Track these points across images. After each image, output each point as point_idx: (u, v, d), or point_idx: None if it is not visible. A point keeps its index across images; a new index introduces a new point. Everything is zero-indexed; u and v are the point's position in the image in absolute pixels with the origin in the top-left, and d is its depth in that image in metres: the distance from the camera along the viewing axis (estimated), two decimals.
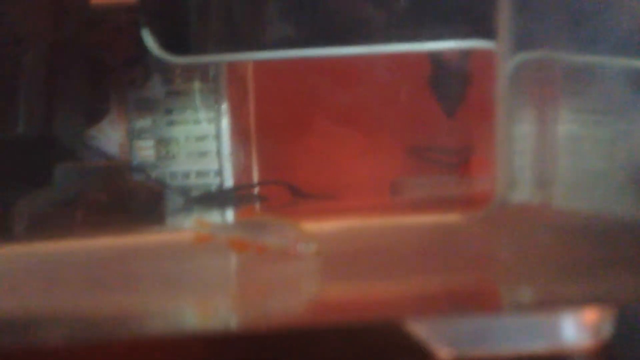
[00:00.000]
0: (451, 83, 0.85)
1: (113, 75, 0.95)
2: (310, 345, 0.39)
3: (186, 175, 1.00)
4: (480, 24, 0.71)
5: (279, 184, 0.95)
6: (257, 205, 0.99)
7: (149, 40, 0.83)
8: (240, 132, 1.00)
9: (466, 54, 0.80)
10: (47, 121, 0.82)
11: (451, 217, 0.67)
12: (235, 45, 0.85)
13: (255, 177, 1.04)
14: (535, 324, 0.39)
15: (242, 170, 1.01)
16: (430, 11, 0.73)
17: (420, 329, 0.38)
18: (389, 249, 0.59)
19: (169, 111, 0.99)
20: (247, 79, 1.03)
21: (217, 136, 0.99)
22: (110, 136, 0.99)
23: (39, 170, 0.78)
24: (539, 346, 0.38)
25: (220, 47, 0.85)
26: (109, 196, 0.73)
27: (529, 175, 0.64)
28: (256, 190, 1.01)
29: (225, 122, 0.98)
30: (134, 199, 0.78)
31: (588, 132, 0.58)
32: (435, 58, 0.83)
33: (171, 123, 0.99)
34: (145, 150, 1.00)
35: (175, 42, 0.83)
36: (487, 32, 0.70)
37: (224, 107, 0.98)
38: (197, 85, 0.99)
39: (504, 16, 0.67)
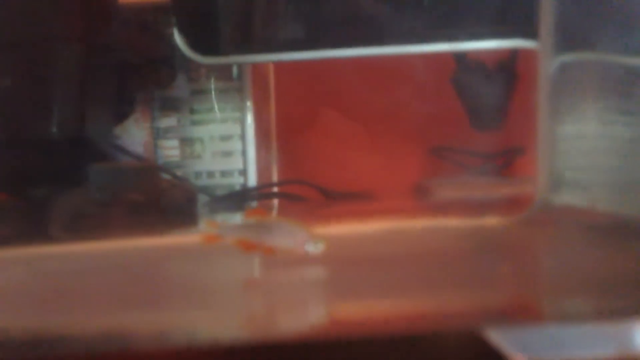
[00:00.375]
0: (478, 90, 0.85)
1: (139, 75, 0.95)
2: (381, 354, 0.39)
3: (211, 174, 1.00)
4: (522, 23, 0.71)
5: (303, 183, 0.95)
6: (276, 205, 0.99)
7: (180, 41, 0.83)
8: (262, 132, 1.00)
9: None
10: (78, 121, 0.82)
11: (491, 220, 0.67)
12: (264, 47, 0.84)
13: (276, 177, 1.05)
14: (606, 332, 0.39)
15: (264, 170, 1.01)
16: (471, 10, 0.73)
17: (496, 337, 0.39)
18: (430, 254, 0.59)
19: (193, 111, 0.99)
20: (269, 80, 1.03)
21: (242, 136, 0.98)
22: (135, 136, 0.99)
23: (73, 170, 0.78)
24: (611, 354, 0.38)
25: (249, 48, 0.84)
26: (144, 196, 0.73)
27: (572, 177, 0.64)
28: (277, 189, 1.01)
29: (250, 122, 0.98)
30: (169, 200, 0.77)
31: (633, 134, 0.58)
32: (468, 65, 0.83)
33: (196, 123, 0.99)
34: (170, 150, 1.00)
35: (205, 43, 0.83)
36: (529, 31, 0.69)
37: (249, 106, 0.98)
38: (222, 85, 0.99)
39: (547, 15, 0.66)
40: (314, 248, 0.56)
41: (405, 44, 0.73)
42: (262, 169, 1.00)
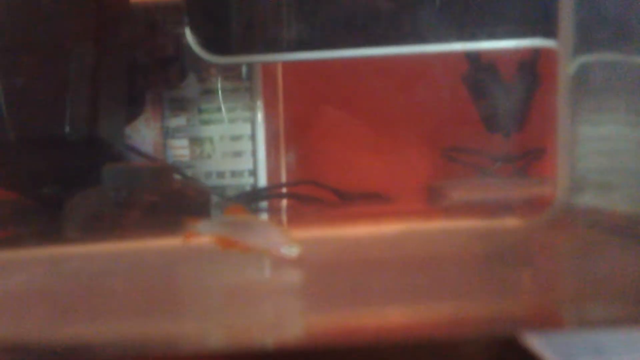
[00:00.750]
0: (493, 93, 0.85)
1: (149, 75, 0.95)
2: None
3: (221, 174, 0.99)
4: (541, 23, 0.70)
5: (316, 184, 0.94)
6: (286, 206, 0.99)
7: (192, 41, 0.82)
8: (272, 133, 0.99)
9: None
10: (91, 121, 0.81)
11: (510, 222, 0.67)
12: (276, 47, 0.84)
13: (284, 178, 1.04)
14: None
15: (273, 171, 1.00)
16: (489, 9, 0.72)
17: (533, 342, 0.38)
18: (450, 257, 0.59)
19: (203, 110, 0.99)
20: (277, 80, 1.02)
21: (252, 136, 0.98)
22: (144, 135, 0.99)
23: (86, 170, 0.77)
24: None
25: (261, 48, 0.84)
26: (159, 197, 0.72)
27: (593, 178, 0.64)
28: (286, 189, 1.01)
29: (260, 122, 0.97)
30: (183, 200, 0.77)
31: None
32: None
33: (206, 122, 0.99)
34: (180, 150, 0.99)
35: (217, 43, 0.82)
36: (548, 31, 0.69)
37: (259, 106, 0.97)
38: (231, 84, 0.99)
39: (567, 14, 0.65)
40: (289, 251, 0.56)
41: (422, 44, 0.73)
42: (272, 170, 0.99)
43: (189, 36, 0.83)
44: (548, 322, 0.43)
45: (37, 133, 0.78)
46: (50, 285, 0.55)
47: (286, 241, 0.55)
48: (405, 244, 0.64)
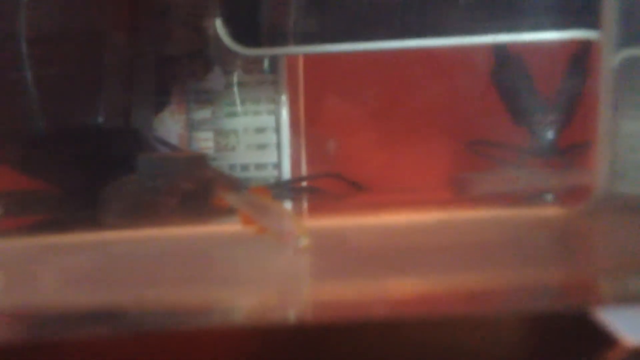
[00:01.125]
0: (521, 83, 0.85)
1: (176, 67, 0.95)
2: (490, 331, 0.39)
3: (245, 167, 0.99)
4: (583, 14, 0.70)
5: (337, 177, 0.94)
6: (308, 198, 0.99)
7: (222, 32, 0.82)
8: (294, 125, 1.00)
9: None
10: (122, 111, 0.81)
11: (551, 211, 0.67)
12: (306, 39, 0.84)
13: (304, 170, 1.04)
14: None
15: (296, 163, 1.00)
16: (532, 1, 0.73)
17: (605, 317, 0.39)
18: (497, 242, 0.59)
19: (228, 103, 0.99)
20: (299, 72, 1.03)
21: (277, 128, 0.98)
22: (170, 128, 0.99)
23: (120, 159, 0.77)
24: None
25: (292, 40, 0.84)
26: (194, 185, 0.73)
27: (633, 170, 0.64)
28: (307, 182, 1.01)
29: (285, 114, 0.98)
30: (217, 188, 0.77)
31: None
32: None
33: (231, 115, 0.99)
34: (204, 142, 0.99)
35: (248, 34, 0.83)
36: (591, 22, 0.69)
37: (284, 99, 0.98)
38: (256, 77, 0.99)
39: (610, 5, 0.65)
40: (298, 242, 0.57)
41: (457, 36, 0.73)
42: (294, 163, 1.00)
43: (220, 27, 0.83)
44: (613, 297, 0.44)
45: (70, 123, 0.78)
46: (104, 264, 0.55)
47: (297, 231, 0.56)
48: (449, 231, 0.65)
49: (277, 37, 0.86)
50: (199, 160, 0.79)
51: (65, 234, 0.65)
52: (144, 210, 0.68)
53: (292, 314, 0.47)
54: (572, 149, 0.77)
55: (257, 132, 0.98)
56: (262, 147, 0.98)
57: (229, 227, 0.70)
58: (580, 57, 0.78)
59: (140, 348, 0.41)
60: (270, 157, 0.98)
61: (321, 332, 0.42)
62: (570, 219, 0.63)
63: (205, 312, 0.47)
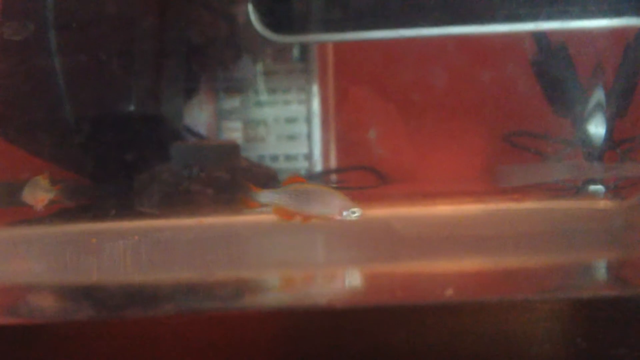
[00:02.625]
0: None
1: (205, 54, 0.93)
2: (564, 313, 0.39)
3: (274, 158, 0.97)
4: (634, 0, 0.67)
5: (370, 170, 0.92)
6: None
7: (254, 19, 0.80)
8: (325, 115, 0.97)
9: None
10: (152, 100, 0.80)
11: (602, 203, 0.65)
12: (338, 25, 0.82)
13: (334, 161, 1.02)
14: None
15: (326, 154, 0.98)
16: None
17: None
18: (548, 234, 0.57)
19: (258, 92, 0.96)
20: (329, 61, 1.00)
21: (308, 118, 0.96)
22: (198, 117, 0.97)
23: (151, 148, 0.76)
24: None
25: (323, 26, 0.82)
26: (229, 174, 0.71)
27: None
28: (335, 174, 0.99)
29: (316, 104, 0.95)
30: (251, 178, 0.75)
31: None
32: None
33: (260, 104, 0.97)
34: (233, 132, 0.97)
35: (280, 21, 0.80)
36: None
37: (315, 88, 0.95)
38: (287, 65, 0.97)
39: None
40: (351, 215, 0.55)
41: (506, 23, 0.70)
42: (324, 153, 0.98)
43: (252, 14, 0.81)
44: None
45: (101, 111, 0.77)
46: (157, 250, 0.54)
47: (347, 205, 0.55)
48: (497, 222, 0.63)
49: (309, 24, 0.83)
50: (232, 149, 0.77)
51: (103, 222, 0.64)
52: (181, 199, 0.67)
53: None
54: (625, 141, 0.74)
55: (287, 122, 0.96)
56: (292, 137, 0.96)
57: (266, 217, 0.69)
58: (634, 47, 0.75)
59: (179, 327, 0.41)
60: (300, 147, 0.96)
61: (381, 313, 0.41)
62: (623, 212, 0.61)
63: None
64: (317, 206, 0.58)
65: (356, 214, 0.56)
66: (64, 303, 0.45)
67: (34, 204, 0.64)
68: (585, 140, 0.76)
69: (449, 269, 0.50)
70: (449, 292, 0.43)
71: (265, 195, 0.59)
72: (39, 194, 0.64)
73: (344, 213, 0.57)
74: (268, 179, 0.78)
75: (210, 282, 0.47)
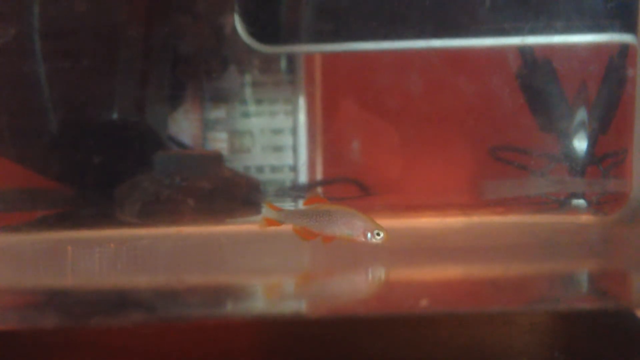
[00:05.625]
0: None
1: (191, 64, 0.93)
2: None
3: (260, 169, 0.97)
4: (619, 17, 0.67)
5: (351, 182, 0.92)
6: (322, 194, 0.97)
7: (241, 29, 0.80)
8: (311, 127, 0.97)
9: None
10: (136, 108, 0.79)
11: (584, 218, 0.65)
12: (325, 37, 0.82)
13: (320, 173, 1.02)
14: None
15: (312, 166, 0.98)
16: (562, 1, 0.70)
17: None
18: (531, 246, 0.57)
19: (244, 103, 0.96)
20: (315, 73, 1.00)
21: (294, 130, 0.96)
22: (183, 127, 0.96)
23: (136, 156, 0.75)
24: None
25: (312, 38, 0.82)
26: (211, 184, 0.70)
27: None
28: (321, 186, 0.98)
29: (302, 116, 0.95)
30: (235, 188, 0.75)
31: None
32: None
33: (246, 115, 0.96)
34: (219, 143, 0.97)
35: (267, 32, 0.80)
36: (627, 25, 0.66)
37: (301, 100, 0.95)
38: (274, 77, 0.96)
39: None
40: (375, 237, 0.55)
41: (489, 37, 0.71)
42: (310, 165, 0.97)
43: (238, 24, 0.81)
44: None
45: (85, 119, 0.76)
46: (134, 258, 0.54)
47: (371, 227, 0.54)
48: (479, 234, 0.63)
49: (297, 35, 0.83)
50: (215, 159, 0.76)
51: (82, 230, 0.63)
52: (162, 208, 0.66)
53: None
54: (607, 157, 0.75)
55: (273, 134, 0.96)
56: (278, 149, 0.96)
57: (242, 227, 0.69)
58: (617, 63, 0.75)
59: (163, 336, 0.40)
60: (286, 159, 0.96)
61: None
62: (605, 227, 0.61)
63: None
64: (341, 227, 0.58)
65: (381, 236, 0.55)
66: (27, 310, 0.44)
67: None
68: (569, 155, 0.76)
69: (428, 280, 0.50)
70: (424, 302, 0.43)
71: (287, 215, 0.58)
72: None
73: (368, 235, 0.56)
74: (251, 189, 0.77)
75: (183, 289, 0.46)
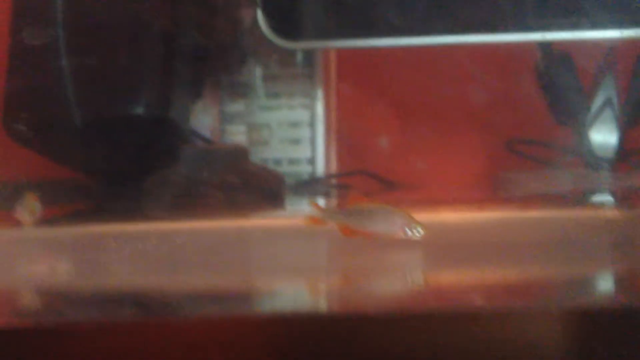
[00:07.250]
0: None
1: (210, 58, 0.93)
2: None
3: (278, 162, 0.97)
4: None
5: (372, 176, 0.93)
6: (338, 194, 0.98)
7: (263, 24, 0.80)
8: (328, 120, 0.98)
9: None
10: (160, 102, 0.80)
11: (610, 213, 0.66)
12: (345, 32, 0.82)
13: (334, 166, 1.02)
14: None
15: (329, 158, 0.99)
16: None
17: None
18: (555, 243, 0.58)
19: (262, 96, 0.97)
20: (331, 67, 1.01)
21: (312, 123, 0.96)
22: (202, 120, 0.97)
23: (158, 150, 0.76)
24: None
25: (334, 33, 0.82)
26: (237, 178, 0.71)
27: None
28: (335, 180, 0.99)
29: (320, 109, 0.96)
30: (260, 182, 0.76)
31: None
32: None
33: (264, 108, 0.97)
34: (237, 136, 0.98)
35: (289, 27, 0.81)
36: None
37: (319, 93, 0.96)
38: (291, 70, 0.97)
39: None
40: (415, 233, 0.56)
41: (513, 32, 0.71)
42: (327, 158, 0.98)
43: (260, 19, 0.81)
44: None
45: (110, 113, 0.77)
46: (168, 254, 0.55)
47: (410, 223, 0.55)
48: (500, 230, 0.64)
49: (317, 31, 0.84)
50: (241, 153, 0.77)
51: (114, 224, 0.64)
52: (191, 203, 0.67)
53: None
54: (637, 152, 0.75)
55: (291, 127, 0.96)
56: (295, 141, 0.96)
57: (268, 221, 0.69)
58: None
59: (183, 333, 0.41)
60: (304, 152, 0.97)
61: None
62: (630, 222, 0.62)
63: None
64: (381, 224, 0.59)
65: (420, 233, 0.57)
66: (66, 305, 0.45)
67: (23, 223, 0.66)
68: (592, 149, 0.77)
69: (447, 278, 0.51)
70: (476, 300, 0.44)
71: (331, 214, 0.60)
72: (25, 216, 0.65)
73: (407, 231, 0.57)
74: (276, 183, 0.78)
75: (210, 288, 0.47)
